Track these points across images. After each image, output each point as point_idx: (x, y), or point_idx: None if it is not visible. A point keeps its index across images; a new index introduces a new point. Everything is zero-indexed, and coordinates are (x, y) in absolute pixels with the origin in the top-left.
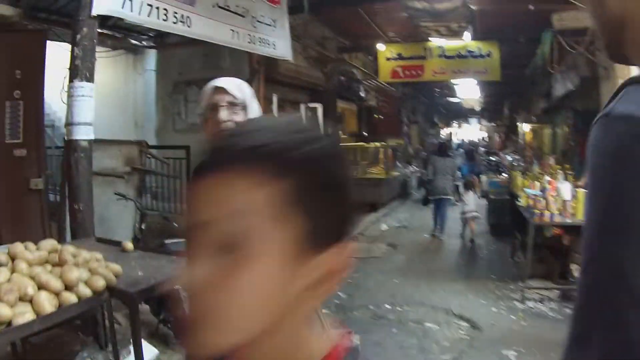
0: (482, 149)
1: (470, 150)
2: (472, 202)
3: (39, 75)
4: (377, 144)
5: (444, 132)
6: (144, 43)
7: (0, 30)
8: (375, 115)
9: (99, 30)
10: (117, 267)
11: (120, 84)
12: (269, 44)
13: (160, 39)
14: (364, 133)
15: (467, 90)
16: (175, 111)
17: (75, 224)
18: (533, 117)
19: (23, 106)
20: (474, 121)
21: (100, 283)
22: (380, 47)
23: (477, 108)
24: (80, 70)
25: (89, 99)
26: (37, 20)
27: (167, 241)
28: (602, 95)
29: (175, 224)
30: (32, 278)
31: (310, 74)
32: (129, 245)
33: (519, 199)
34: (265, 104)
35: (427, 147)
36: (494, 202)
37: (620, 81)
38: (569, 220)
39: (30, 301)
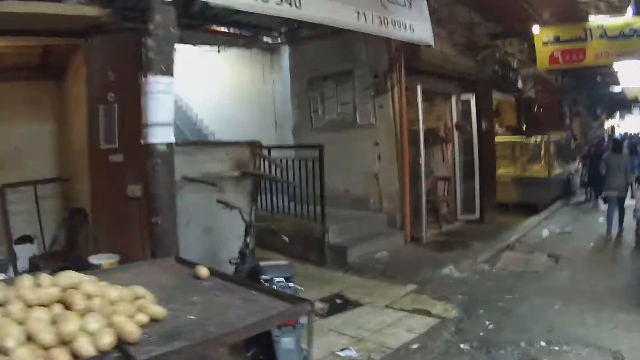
0: None
1: (633, 143)
2: None
3: (133, 77)
4: (538, 138)
5: (607, 124)
6: (278, 40)
7: (91, 31)
8: (535, 108)
9: (227, 30)
10: (157, 310)
11: (259, 84)
12: (405, 27)
13: (292, 33)
14: (523, 127)
15: (631, 78)
16: (312, 108)
17: (154, 240)
18: None
19: (117, 109)
20: (637, 112)
21: (105, 340)
22: (536, 29)
23: None
24: (154, 63)
25: (166, 95)
26: (129, 19)
27: (264, 263)
28: None
29: (284, 238)
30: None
31: (459, 62)
32: (203, 270)
33: None
34: (409, 95)
35: (591, 141)
36: None
37: None
38: None
39: None
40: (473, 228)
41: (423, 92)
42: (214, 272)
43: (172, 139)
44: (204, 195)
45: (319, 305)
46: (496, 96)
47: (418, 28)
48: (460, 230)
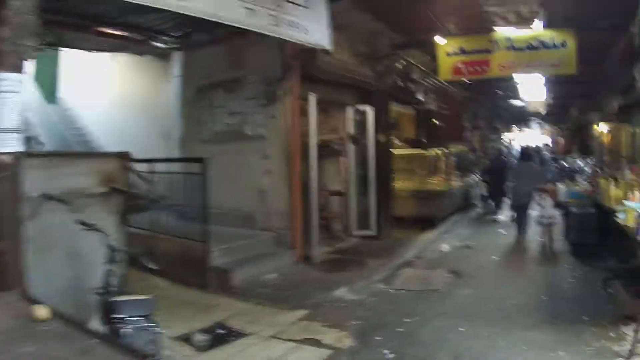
0: (547, 154)
1: (532, 155)
2: (549, 207)
3: None
4: (437, 151)
5: (505, 137)
6: (170, 45)
7: None
8: (434, 121)
9: (117, 32)
10: None
11: (151, 92)
12: (300, 29)
13: (185, 39)
14: (422, 139)
15: (532, 92)
16: (201, 119)
17: None
18: (609, 116)
19: None
20: (535, 125)
21: None
22: (440, 40)
23: (542, 111)
24: (7, 56)
25: (14, 96)
26: None
27: (120, 298)
28: None
29: (149, 264)
30: None
31: (359, 71)
32: (42, 311)
33: (616, 215)
34: (303, 104)
35: (489, 155)
36: (576, 217)
37: None
38: None
39: None
40: (369, 244)
41: (318, 101)
42: (56, 314)
43: (20, 148)
44: (68, 216)
45: (198, 337)
46: (396, 108)
47: (315, 30)
48: (355, 247)
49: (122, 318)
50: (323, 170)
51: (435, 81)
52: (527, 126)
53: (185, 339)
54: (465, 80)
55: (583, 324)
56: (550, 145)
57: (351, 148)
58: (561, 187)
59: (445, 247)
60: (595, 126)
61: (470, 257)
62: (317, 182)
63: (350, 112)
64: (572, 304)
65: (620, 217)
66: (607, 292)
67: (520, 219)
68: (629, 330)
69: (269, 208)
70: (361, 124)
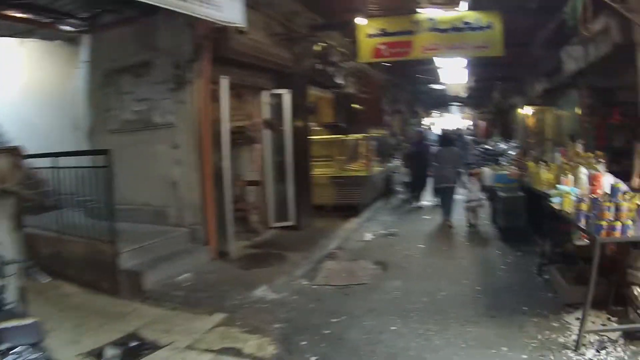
0: (469, 137)
1: (454, 139)
2: (475, 190)
3: None
4: (357, 135)
5: (425, 121)
6: (78, 28)
7: None
8: (354, 105)
9: (23, 16)
10: None
11: (59, 81)
12: (210, 4)
13: (93, 20)
14: (342, 124)
15: (453, 76)
16: (108, 107)
17: None
18: (533, 100)
19: None
20: (455, 109)
21: None
22: (361, 21)
23: (463, 94)
24: None
25: None
26: None
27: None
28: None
29: (43, 279)
30: None
31: (275, 53)
32: None
33: (549, 199)
34: (215, 88)
35: (410, 139)
36: (504, 201)
37: None
38: None
39: None
40: (289, 236)
41: (232, 85)
42: None
43: None
44: None
45: (110, 353)
46: (314, 92)
47: (227, 6)
48: (274, 239)
49: (4, 350)
50: (238, 158)
51: (355, 64)
52: (447, 110)
53: (97, 354)
54: (386, 63)
55: (523, 314)
56: (472, 128)
57: (267, 134)
58: (487, 170)
59: (368, 235)
60: (519, 109)
61: (395, 246)
62: (232, 171)
63: (266, 97)
64: (509, 293)
65: (555, 202)
66: (543, 279)
67: (445, 204)
68: (571, 319)
69: (181, 202)
70: (278, 109)
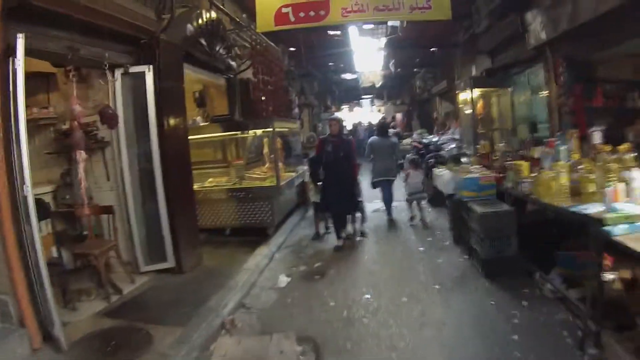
0: (392, 130)
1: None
2: (418, 181)
3: None
4: (259, 132)
5: (338, 115)
6: None
7: None
8: (254, 94)
9: None
10: None
11: None
12: None
13: None
14: (238, 118)
15: (369, 61)
16: None
17: None
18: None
19: None
20: (367, 103)
21: None
22: None
23: (378, 83)
24: None
25: None
26: None
27: None
28: None
29: None
30: None
31: (130, 9)
32: None
33: (607, 227)
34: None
35: (320, 134)
36: (484, 219)
37: None
38: None
39: None
40: (166, 287)
41: (61, 58)
42: None
43: None
44: None
45: None
46: (201, 76)
47: None
48: (144, 296)
49: None
50: (80, 174)
51: (253, 40)
52: (359, 104)
53: None
54: (292, 47)
55: None
56: (390, 121)
57: (121, 134)
58: (445, 174)
59: (283, 279)
60: (458, 95)
61: (326, 298)
62: (69, 195)
63: (117, 77)
64: None
65: (621, 232)
66: (589, 356)
67: (387, 196)
68: None
69: None
70: (137, 95)
